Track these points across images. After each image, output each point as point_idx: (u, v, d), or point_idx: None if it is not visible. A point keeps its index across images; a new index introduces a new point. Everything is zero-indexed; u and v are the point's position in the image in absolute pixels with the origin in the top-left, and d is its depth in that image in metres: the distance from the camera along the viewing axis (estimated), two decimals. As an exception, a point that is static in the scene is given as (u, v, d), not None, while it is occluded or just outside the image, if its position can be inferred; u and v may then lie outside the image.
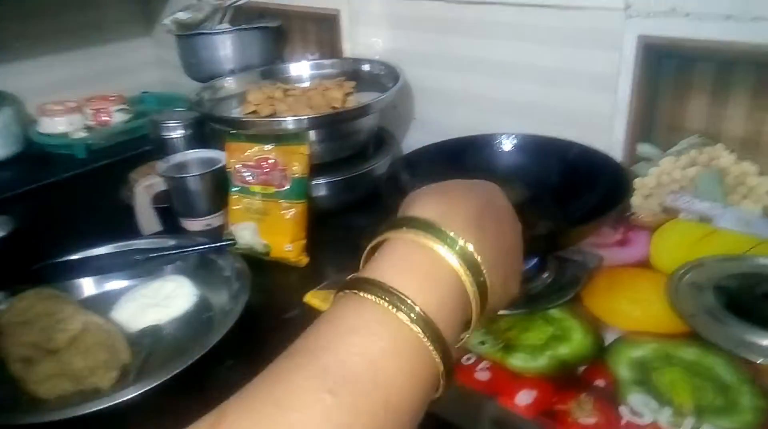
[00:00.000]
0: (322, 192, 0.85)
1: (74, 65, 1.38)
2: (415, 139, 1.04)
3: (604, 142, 0.77)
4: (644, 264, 0.67)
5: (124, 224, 0.85)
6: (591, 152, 0.70)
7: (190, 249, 0.75)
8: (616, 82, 0.76)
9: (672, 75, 0.71)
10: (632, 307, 0.59)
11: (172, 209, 0.85)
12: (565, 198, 0.69)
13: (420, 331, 0.29)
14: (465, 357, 0.54)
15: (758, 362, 0.51)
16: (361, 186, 0.89)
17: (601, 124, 0.78)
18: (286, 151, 0.79)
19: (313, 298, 0.68)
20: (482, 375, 0.52)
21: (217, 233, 0.82)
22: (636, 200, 0.79)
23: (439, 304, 0.31)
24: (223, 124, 0.87)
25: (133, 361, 0.62)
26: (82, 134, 1.21)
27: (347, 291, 0.32)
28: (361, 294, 0.30)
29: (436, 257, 0.32)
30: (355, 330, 0.29)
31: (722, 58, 0.67)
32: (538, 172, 0.72)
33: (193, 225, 0.85)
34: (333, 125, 0.86)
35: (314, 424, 0.25)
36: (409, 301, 0.30)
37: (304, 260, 0.77)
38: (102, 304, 0.71)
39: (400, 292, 0.30)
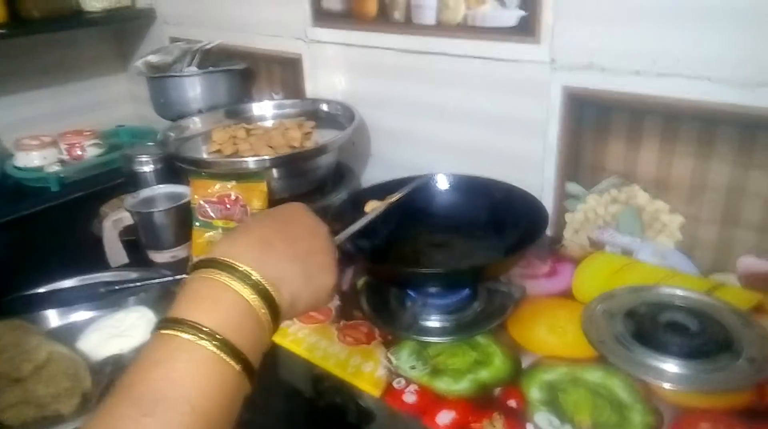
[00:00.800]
0: (281, 226, 0.91)
1: (52, 100, 1.44)
2: (373, 174, 1.10)
3: (537, 181, 0.85)
4: (567, 294, 0.73)
5: (94, 255, 0.90)
6: (516, 191, 0.77)
7: (152, 281, 0.80)
8: (545, 127, 0.83)
9: (593, 122, 0.78)
10: (549, 334, 0.66)
11: (139, 242, 0.90)
12: (493, 233, 0.76)
13: (214, 348, 0.37)
14: (396, 381, 0.60)
15: (665, 387, 0.57)
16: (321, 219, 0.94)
17: (534, 165, 0.86)
18: (247, 188, 0.84)
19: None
20: (410, 397, 0.58)
21: (182, 265, 0.87)
22: (567, 234, 0.86)
23: (228, 322, 0.39)
24: (186, 163, 0.92)
25: (94, 388, 0.67)
26: (56, 168, 1.25)
27: (156, 330, 0.39)
28: (162, 331, 0.38)
29: (221, 286, 0.40)
30: (160, 361, 0.37)
31: (634, 108, 0.74)
32: (470, 209, 0.79)
33: (159, 257, 0.90)
34: (291, 164, 0.92)
35: None
36: (200, 327, 0.37)
37: (261, 291, 0.83)
38: (68, 334, 0.75)
39: (191, 321, 0.38)
